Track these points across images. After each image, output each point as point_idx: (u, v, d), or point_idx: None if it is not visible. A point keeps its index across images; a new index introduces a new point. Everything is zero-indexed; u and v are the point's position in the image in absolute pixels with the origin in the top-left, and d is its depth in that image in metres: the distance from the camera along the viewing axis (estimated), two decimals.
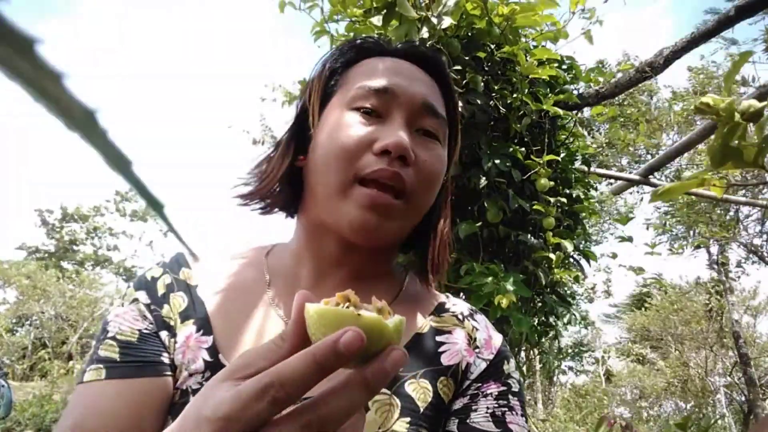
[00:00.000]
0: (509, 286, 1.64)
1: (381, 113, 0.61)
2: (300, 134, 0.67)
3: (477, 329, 0.69)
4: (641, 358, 16.00)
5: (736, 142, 0.60)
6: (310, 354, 0.32)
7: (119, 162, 0.19)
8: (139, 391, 0.56)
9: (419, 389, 0.61)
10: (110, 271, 22.53)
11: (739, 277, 10.11)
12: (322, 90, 0.65)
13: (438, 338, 0.66)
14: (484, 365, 0.65)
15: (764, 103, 0.59)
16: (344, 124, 0.60)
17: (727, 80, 0.64)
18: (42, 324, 16.14)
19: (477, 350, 0.66)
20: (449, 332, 0.67)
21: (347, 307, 0.35)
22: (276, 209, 0.69)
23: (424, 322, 0.67)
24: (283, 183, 0.66)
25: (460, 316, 0.70)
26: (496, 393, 0.63)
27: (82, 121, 0.17)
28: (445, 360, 0.64)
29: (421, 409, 0.59)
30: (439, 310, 0.70)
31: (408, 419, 0.58)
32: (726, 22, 2.16)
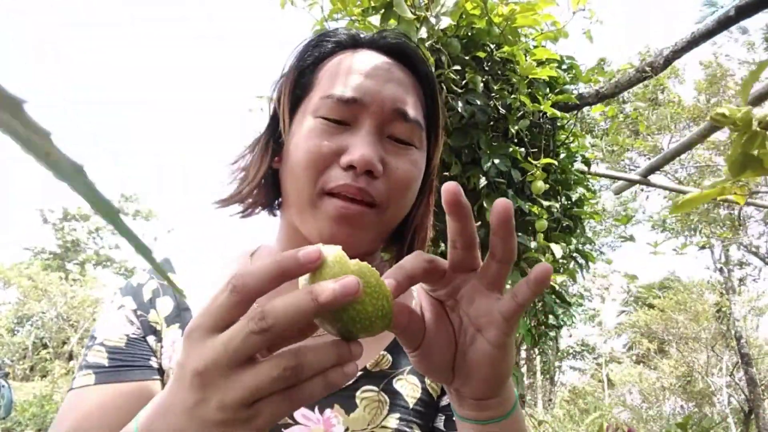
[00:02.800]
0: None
1: (349, 122, 0.59)
2: (275, 136, 0.66)
3: None
4: (643, 359, 15.98)
5: (756, 151, 0.60)
6: (275, 258, 0.35)
7: (107, 211, 0.21)
8: (128, 394, 0.56)
9: (407, 385, 0.62)
10: (112, 272, 22.57)
11: (742, 280, 10.10)
12: (291, 93, 0.63)
13: None
14: None
15: None
16: (311, 135, 0.58)
17: (743, 89, 0.63)
18: (43, 324, 16.16)
19: None
20: None
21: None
22: (256, 212, 0.68)
23: None
24: (261, 186, 0.66)
25: None
26: None
27: (71, 174, 0.19)
28: None
29: (411, 405, 0.60)
30: None
31: (398, 415, 0.59)
32: (726, 22, 2.16)
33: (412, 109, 0.61)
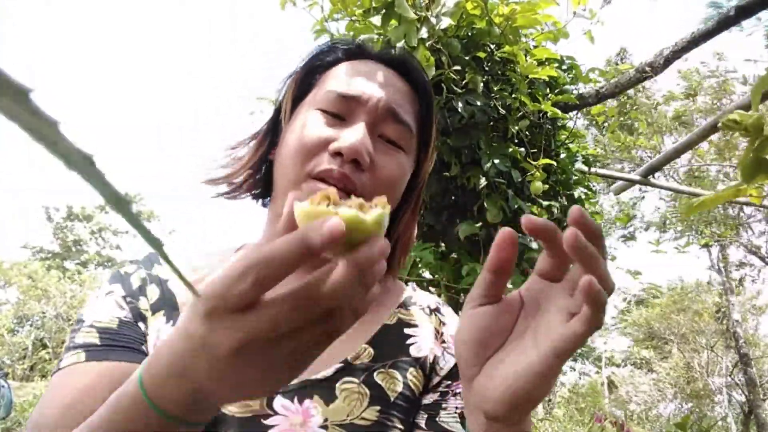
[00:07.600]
0: (509, 285, 1.64)
1: (345, 116, 0.62)
2: (275, 128, 0.70)
3: (444, 324, 0.71)
4: (643, 360, 15.98)
5: None
6: (296, 234, 0.32)
7: (117, 201, 0.21)
8: (122, 374, 0.51)
9: (388, 379, 0.62)
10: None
11: (741, 279, 10.10)
12: (296, 88, 0.68)
13: (406, 330, 0.68)
14: (453, 361, 0.66)
15: None
16: (307, 123, 0.61)
17: (755, 94, 0.64)
18: (43, 324, 16.15)
19: (444, 344, 0.68)
20: (416, 325, 0.69)
21: (327, 205, 0.36)
22: (242, 195, 0.71)
23: (391, 314, 0.69)
24: (253, 172, 0.69)
25: (427, 310, 0.72)
26: None
27: (80, 164, 0.19)
28: (414, 352, 0.66)
29: (392, 399, 0.61)
30: (407, 303, 0.72)
31: (378, 407, 0.60)
32: (726, 22, 2.16)
33: (405, 113, 0.65)
